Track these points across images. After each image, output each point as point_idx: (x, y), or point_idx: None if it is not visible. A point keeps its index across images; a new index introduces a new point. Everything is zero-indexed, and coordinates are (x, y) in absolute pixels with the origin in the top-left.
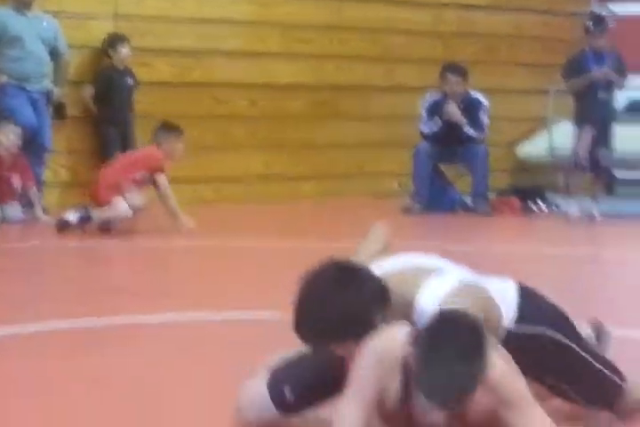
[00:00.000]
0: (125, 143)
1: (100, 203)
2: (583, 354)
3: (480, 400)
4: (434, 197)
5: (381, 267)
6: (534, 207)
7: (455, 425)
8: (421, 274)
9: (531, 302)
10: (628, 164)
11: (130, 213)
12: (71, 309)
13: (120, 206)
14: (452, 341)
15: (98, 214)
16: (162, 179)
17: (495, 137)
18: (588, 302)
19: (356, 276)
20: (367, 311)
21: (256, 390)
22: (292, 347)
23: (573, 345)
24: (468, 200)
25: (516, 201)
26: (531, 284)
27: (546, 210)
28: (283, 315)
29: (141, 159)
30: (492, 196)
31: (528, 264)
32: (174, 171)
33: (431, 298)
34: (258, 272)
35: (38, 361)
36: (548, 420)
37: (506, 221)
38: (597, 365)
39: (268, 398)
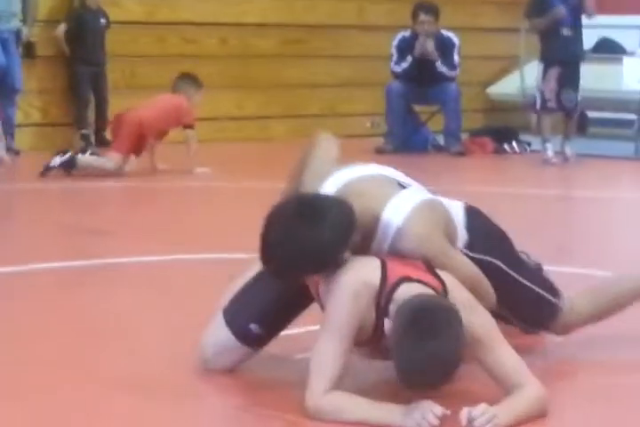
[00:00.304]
0: (97, 83)
1: (119, 148)
2: (522, 281)
3: None
4: (407, 137)
5: (341, 181)
6: (507, 147)
7: None
8: (384, 188)
9: (477, 223)
10: (599, 104)
11: (115, 171)
12: (51, 250)
13: (112, 165)
14: (432, 335)
15: (84, 161)
16: (192, 135)
17: (467, 77)
18: (554, 240)
19: (321, 208)
20: (336, 243)
21: (219, 338)
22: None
23: (513, 273)
24: (441, 140)
25: (488, 141)
26: (501, 222)
27: (518, 150)
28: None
29: (174, 113)
30: (464, 136)
31: (499, 203)
32: None
33: (397, 213)
34: (235, 213)
35: (19, 301)
36: (515, 355)
37: (478, 161)
38: (536, 289)
39: (235, 341)
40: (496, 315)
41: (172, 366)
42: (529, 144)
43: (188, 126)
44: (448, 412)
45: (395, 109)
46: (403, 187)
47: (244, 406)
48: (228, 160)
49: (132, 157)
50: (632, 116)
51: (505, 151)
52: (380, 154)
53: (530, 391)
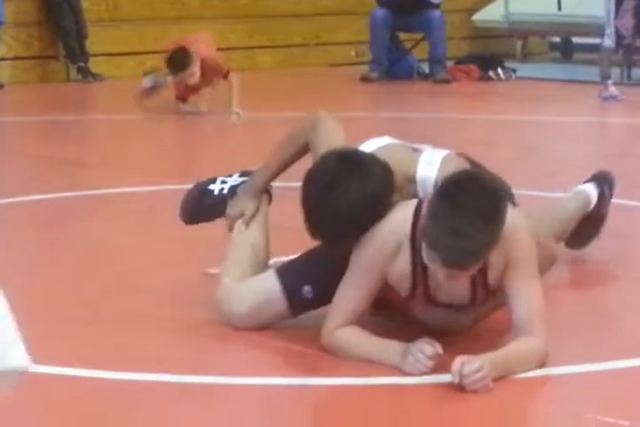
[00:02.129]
0: (75, 14)
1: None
2: None
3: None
4: (392, 65)
5: (368, 150)
6: (492, 74)
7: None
8: (407, 153)
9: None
10: (583, 29)
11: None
12: (37, 183)
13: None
14: (471, 199)
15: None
16: (235, 78)
17: (452, 4)
18: (546, 165)
19: (366, 162)
20: (385, 193)
21: (264, 288)
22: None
23: None
24: (427, 68)
25: (474, 68)
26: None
27: (503, 77)
28: None
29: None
30: (450, 64)
31: (483, 128)
32: (130, 44)
33: (429, 168)
34: (224, 143)
35: (9, 233)
36: (539, 301)
37: (464, 88)
38: None
39: (282, 296)
40: None
41: (171, 298)
42: (514, 71)
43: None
44: (440, 351)
45: (379, 37)
46: (419, 151)
47: (260, 340)
48: (214, 91)
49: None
50: None
51: (490, 78)
52: (365, 82)
53: (533, 345)
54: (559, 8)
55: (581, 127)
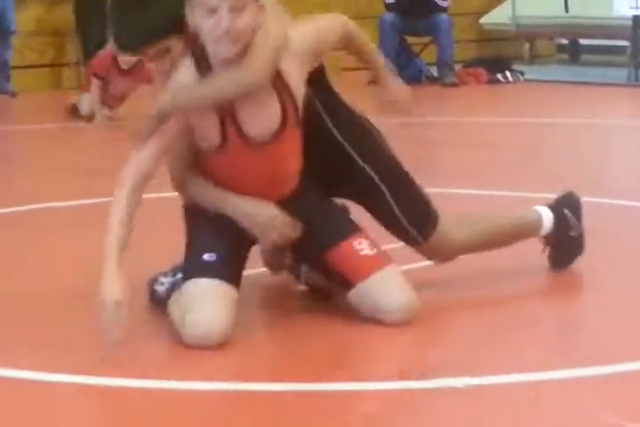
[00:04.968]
0: (102, 21)
1: None
2: (415, 182)
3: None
4: (400, 69)
5: None
6: (500, 77)
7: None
8: None
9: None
10: (590, 30)
11: None
12: (48, 190)
13: None
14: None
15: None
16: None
17: (459, 7)
18: (551, 168)
19: None
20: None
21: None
22: None
23: (407, 174)
24: (435, 71)
25: (482, 71)
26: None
27: (512, 79)
28: None
29: None
30: (458, 67)
31: (492, 131)
32: None
33: None
34: None
35: (18, 239)
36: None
37: (472, 91)
38: (425, 195)
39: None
40: (389, 219)
41: None
42: (522, 73)
43: None
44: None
45: (388, 41)
46: None
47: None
48: None
49: None
50: (624, 43)
51: (499, 81)
52: (373, 85)
53: None
54: (566, 10)
55: (590, 129)
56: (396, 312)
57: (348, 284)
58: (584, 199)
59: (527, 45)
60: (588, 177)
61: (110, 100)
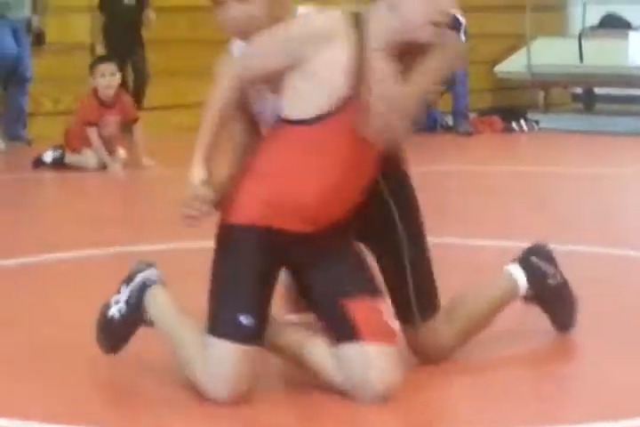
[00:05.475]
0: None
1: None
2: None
3: None
4: (416, 118)
5: None
6: (515, 126)
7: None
8: None
9: None
10: (605, 80)
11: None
12: (55, 240)
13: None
14: None
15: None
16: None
17: (474, 56)
18: (562, 217)
19: None
20: None
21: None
22: None
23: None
24: (450, 120)
25: (497, 120)
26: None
27: (526, 128)
28: None
29: None
30: (473, 116)
31: (508, 181)
32: (153, 99)
33: None
34: None
35: (47, 291)
36: None
37: (487, 140)
38: (435, 281)
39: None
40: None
41: None
42: (537, 122)
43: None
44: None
45: None
46: None
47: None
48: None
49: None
50: (639, 92)
51: (513, 130)
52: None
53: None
54: (581, 59)
55: (605, 179)
56: (367, 393)
57: (347, 335)
58: (597, 250)
59: (542, 94)
60: (603, 227)
61: (107, 145)
